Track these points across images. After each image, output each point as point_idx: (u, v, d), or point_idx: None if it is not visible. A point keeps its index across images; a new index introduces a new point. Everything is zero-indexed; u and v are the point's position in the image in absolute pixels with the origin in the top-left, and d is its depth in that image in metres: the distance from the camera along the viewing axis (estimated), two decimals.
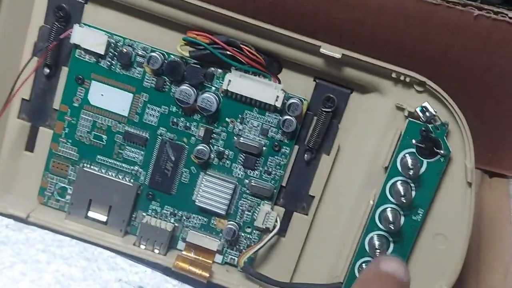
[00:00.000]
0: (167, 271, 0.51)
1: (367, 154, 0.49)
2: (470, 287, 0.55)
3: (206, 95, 0.48)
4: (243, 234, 0.52)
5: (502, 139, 0.61)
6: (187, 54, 0.47)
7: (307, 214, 0.52)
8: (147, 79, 0.49)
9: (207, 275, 0.50)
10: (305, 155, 0.50)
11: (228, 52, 0.47)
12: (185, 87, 0.48)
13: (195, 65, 0.48)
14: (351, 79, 0.48)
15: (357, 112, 0.49)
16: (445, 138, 0.46)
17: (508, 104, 0.54)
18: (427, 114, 0.46)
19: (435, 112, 0.46)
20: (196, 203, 0.51)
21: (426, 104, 0.46)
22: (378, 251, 0.48)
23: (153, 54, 0.48)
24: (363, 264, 0.49)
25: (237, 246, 0.53)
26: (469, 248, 0.49)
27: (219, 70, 0.48)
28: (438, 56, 0.50)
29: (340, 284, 0.50)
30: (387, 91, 0.47)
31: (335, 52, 0.45)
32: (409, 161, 0.46)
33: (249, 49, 0.47)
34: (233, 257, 0.53)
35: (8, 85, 0.49)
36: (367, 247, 0.49)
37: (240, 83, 0.47)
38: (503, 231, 0.59)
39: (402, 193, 0.46)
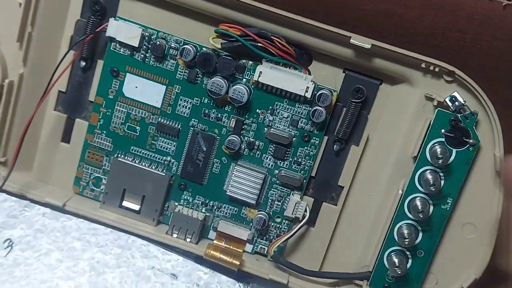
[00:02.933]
0: (199, 260, 0.52)
1: (396, 144, 0.50)
2: (499, 277, 0.55)
3: (237, 86, 0.49)
4: (272, 224, 0.53)
5: None
6: (219, 46, 0.48)
7: (336, 205, 0.52)
8: (180, 71, 0.50)
9: (238, 263, 0.51)
10: (335, 145, 0.51)
11: (259, 44, 0.48)
12: (217, 78, 0.49)
13: (226, 57, 0.49)
14: (380, 70, 0.48)
15: (387, 102, 0.49)
16: (474, 127, 0.47)
17: None
18: (456, 103, 0.46)
19: (464, 101, 0.46)
20: (227, 193, 0.52)
21: (455, 93, 0.46)
22: (407, 240, 0.48)
23: (186, 46, 0.49)
24: (392, 254, 0.50)
25: (267, 236, 0.53)
26: (499, 238, 0.49)
27: (250, 62, 0.49)
28: (467, 46, 0.50)
29: (369, 273, 0.51)
30: (416, 82, 0.48)
31: (365, 43, 0.46)
32: (438, 150, 0.46)
33: (279, 41, 0.48)
34: (263, 247, 0.54)
35: (46, 78, 0.50)
36: (396, 236, 0.49)
37: (270, 74, 0.48)
38: None
39: (431, 182, 0.47)
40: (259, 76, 0.48)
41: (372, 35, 0.47)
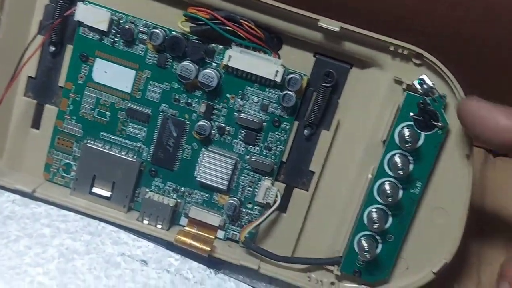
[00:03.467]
0: (170, 246, 0.52)
1: (366, 129, 0.50)
2: (471, 262, 0.55)
3: (207, 70, 0.49)
4: (244, 210, 0.53)
5: None
6: (188, 30, 0.48)
7: (307, 190, 0.52)
8: (149, 56, 0.50)
9: (209, 249, 0.51)
10: (305, 130, 0.51)
11: (228, 28, 0.47)
12: (186, 63, 0.49)
13: (196, 41, 0.49)
14: (350, 53, 0.48)
15: (357, 87, 0.49)
16: (442, 110, 0.46)
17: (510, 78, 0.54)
18: (425, 86, 0.46)
19: (433, 84, 0.46)
20: (197, 179, 0.51)
21: (423, 76, 0.46)
22: (376, 224, 0.48)
23: (154, 30, 0.48)
24: (362, 238, 0.50)
25: (239, 222, 0.53)
26: (471, 225, 0.49)
27: (220, 46, 0.49)
28: (436, 28, 0.50)
29: (340, 258, 0.51)
30: (386, 65, 0.48)
31: (334, 26, 0.46)
32: (407, 133, 0.46)
33: (248, 24, 0.47)
34: (235, 233, 0.54)
35: (15, 63, 0.50)
36: (365, 221, 0.49)
37: (240, 58, 0.48)
38: (507, 211, 0.59)
39: (400, 166, 0.47)
40: (228, 60, 0.48)
41: (345, 19, 0.46)
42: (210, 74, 0.49)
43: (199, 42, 0.49)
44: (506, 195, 0.60)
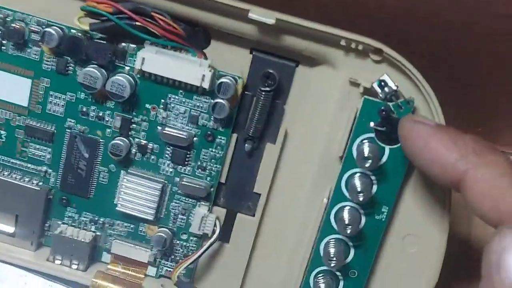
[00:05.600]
0: None
1: (319, 141, 0.40)
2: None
3: (116, 77, 0.39)
4: (178, 242, 0.44)
5: (493, 110, 0.52)
6: (87, 27, 0.38)
7: (253, 215, 0.43)
8: (46, 60, 0.40)
9: None
10: (246, 145, 0.41)
11: (137, 23, 0.37)
12: (89, 68, 0.39)
13: (100, 41, 0.39)
14: (295, 50, 0.38)
15: (306, 90, 0.40)
16: None
17: (495, 68, 0.45)
18: (386, 89, 0.36)
19: (397, 86, 0.36)
20: (116, 208, 0.42)
21: (384, 77, 0.36)
22: (334, 261, 0.39)
23: (47, 29, 0.38)
24: (320, 276, 0.41)
25: (173, 256, 0.44)
26: (457, 252, 0.40)
27: (133, 46, 0.39)
28: (401, 18, 0.40)
29: None
30: (338, 63, 0.38)
31: (267, 17, 0.36)
32: (366, 149, 0.37)
33: (162, 18, 0.37)
34: (170, 269, 0.45)
35: None
36: (322, 255, 0.40)
37: (156, 61, 0.38)
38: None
39: (359, 189, 0.37)
40: (142, 64, 0.38)
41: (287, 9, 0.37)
42: (120, 82, 0.39)
43: (104, 42, 0.39)
44: None
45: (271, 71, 0.39)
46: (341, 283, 0.41)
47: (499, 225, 0.28)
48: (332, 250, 0.39)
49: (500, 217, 0.28)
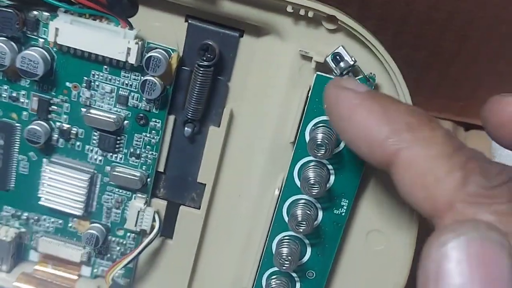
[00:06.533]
0: None
1: (270, 123, 0.35)
2: None
3: (26, 52, 0.33)
4: (114, 239, 0.38)
5: (475, 83, 0.47)
6: None
7: (198, 208, 0.37)
8: None
9: None
10: (186, 128, 0.36)
11: None
12: None
13: (6, 10, 0.33)
14: (237, 17, 0.32)
15: (252, 64, 0.34)
16: None
17: (476, 38, 0.39)
18: (342, 64, 0.30)
19: (354, 61, 0.30)
20: (39, 202, 0.36)
21: (340, 49, 0.30)
22: (287, 262, 0.34)
23: None
24: (273, 277, 0.35)
25: (109, 255, 0.39)
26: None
27: (46, 14, 0.33)
28: None
29: None
30: (287, 33, 0.32)
31: None
32: (320, 134, 0.31)
33: None
34: (106, 268, 0.39)
35: None
36: (274, 254, 0.35)
37: (72, 32, 0.32)
38: None
39: (313, 181, 0.32)
40: (56, 36, 0.32)
41: None
42: (31, 57, 0.33)
43: (10, 10, 0.32)
44: None
45: (210, 42, 0.33)
46: (298, 285, 0.36)
47: (436, 217, 0.22)
48: (285, 250, 0.34)
49: (436, 210, 0.22)
